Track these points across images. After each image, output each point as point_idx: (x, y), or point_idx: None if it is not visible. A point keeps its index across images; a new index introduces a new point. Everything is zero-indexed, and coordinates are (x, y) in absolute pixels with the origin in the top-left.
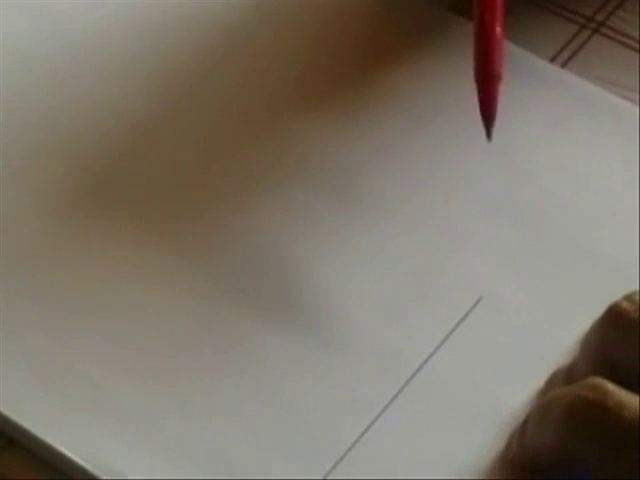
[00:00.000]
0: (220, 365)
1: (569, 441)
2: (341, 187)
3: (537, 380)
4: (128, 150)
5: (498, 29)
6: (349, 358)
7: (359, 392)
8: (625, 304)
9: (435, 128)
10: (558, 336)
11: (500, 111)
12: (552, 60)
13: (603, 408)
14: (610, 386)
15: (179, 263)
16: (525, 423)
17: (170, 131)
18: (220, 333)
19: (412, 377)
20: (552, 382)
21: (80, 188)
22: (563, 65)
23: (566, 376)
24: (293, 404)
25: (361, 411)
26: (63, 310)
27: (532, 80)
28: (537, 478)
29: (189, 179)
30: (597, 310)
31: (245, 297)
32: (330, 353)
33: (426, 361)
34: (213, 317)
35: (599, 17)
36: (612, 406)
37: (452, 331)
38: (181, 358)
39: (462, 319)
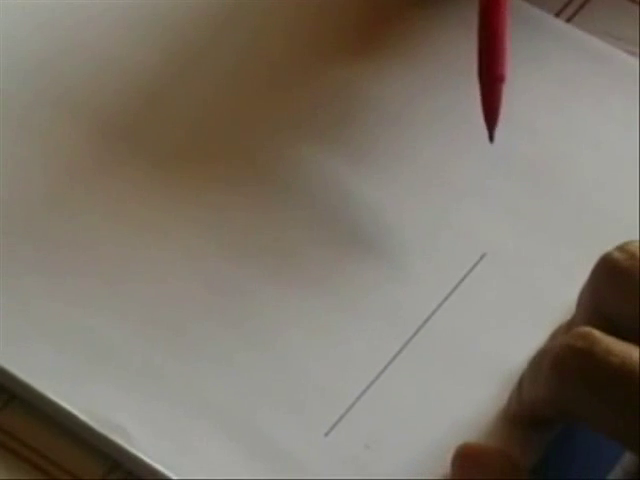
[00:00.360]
0: (220, 313)
1: (560, 392)
2: (345, 141)
3: (541, 336)
4: (135, 105)
5: (502, 30)
6: (352, 313)
7: (362, 348)
8: (616, 254)
9: (442, 89)
10: (562, 292)
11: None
12: (557, 15)
13: (590, 355)
14: (597, 333)
15: (177, 211)
16: (521, 379)
17: (178, 90)
18: (221, 282)
19: (415, 333)
20: (554, 338)
21: (89, 139)
22: (568, 20)
23: (566, 331)
24: (295, 358)
25: (364, 367)
26: (61, 254)
27: (537, 35)
28: (537, 433)
29: (198, 136)
30: None
31: (246, 249)
32: (333, 308)
33: (430, 317)
34: (213, 266)
35: None
36: (599, 352)
37: (456, 287)
38: (182, 307)
39: (466, 275)
